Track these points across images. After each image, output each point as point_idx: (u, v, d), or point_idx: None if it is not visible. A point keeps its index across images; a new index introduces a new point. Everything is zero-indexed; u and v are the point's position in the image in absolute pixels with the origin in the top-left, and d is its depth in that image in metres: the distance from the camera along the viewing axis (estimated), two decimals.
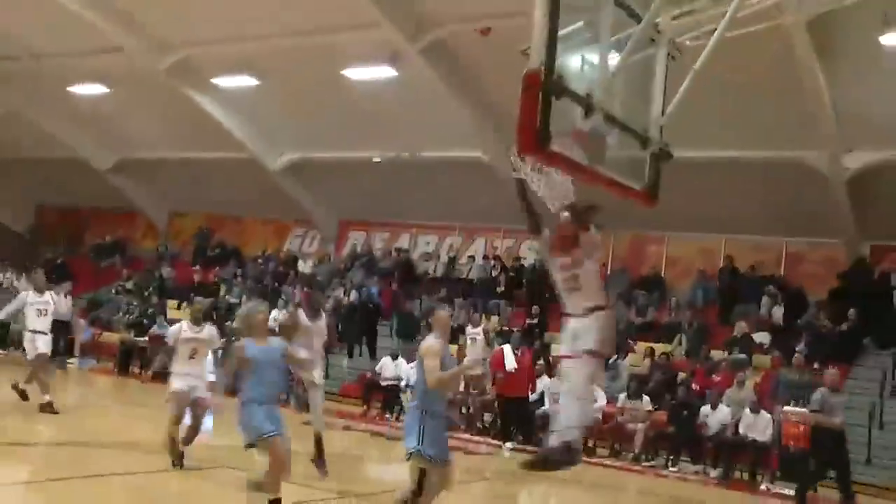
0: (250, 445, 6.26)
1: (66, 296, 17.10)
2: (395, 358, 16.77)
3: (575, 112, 4.65)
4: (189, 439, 8.39)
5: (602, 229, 5.76)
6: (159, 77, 19.93)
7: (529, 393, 14.80)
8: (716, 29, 5.46)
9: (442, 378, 6.33)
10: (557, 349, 17.88)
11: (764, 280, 17.98)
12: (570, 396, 5.73)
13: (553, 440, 5.77)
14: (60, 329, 17.79)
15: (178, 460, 8.11)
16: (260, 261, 24.14)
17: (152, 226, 28.06)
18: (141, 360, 19.82)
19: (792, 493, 12.47)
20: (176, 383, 8.19)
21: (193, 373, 8.28)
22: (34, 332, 11.99)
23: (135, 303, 22.47)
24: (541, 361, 15.81)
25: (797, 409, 13.19)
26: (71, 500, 7.27)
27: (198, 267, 24.45)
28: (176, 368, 8.25)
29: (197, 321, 8.44)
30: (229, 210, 26.07)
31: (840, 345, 15.82)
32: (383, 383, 16.51)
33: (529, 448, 14.18)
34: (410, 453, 6.28)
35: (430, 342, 6.47)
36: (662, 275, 19.64)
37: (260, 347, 6.42)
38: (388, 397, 16.44)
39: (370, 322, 19.82)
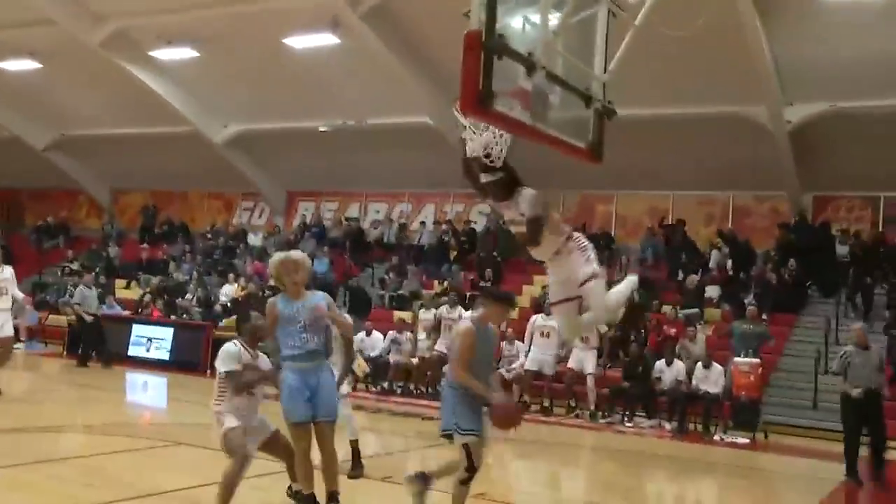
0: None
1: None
2: None
3: (518, 71, 4.61)
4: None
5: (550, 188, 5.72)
6: (94, 51, 19.35)
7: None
8: None
9: (464, 380, 6.03)
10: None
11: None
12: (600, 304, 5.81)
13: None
14: (91, 329, 17.14)
15: None
16: (209, 236, 23.83)
17: (95, 204, 27.44)
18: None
19: (744, 440, 12.85)
20: (229, 420, 6.18)
21: (251, 407, 6.35)
22: None
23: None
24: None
25: (747, 359, 13.52)
26: (30, 484, 7.13)
27: (145, 245, 24.07)
28: (225, 405, 6.20)
29: (254, 343, 6.45)
30: (174, 185, 25.60)
31: (786, 295, 16.23)
32: None
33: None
34: (448, 433, 6.06)
35: (465, 327, 6.28)
36: (612, 233, 19.83)
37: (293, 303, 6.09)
38: None
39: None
